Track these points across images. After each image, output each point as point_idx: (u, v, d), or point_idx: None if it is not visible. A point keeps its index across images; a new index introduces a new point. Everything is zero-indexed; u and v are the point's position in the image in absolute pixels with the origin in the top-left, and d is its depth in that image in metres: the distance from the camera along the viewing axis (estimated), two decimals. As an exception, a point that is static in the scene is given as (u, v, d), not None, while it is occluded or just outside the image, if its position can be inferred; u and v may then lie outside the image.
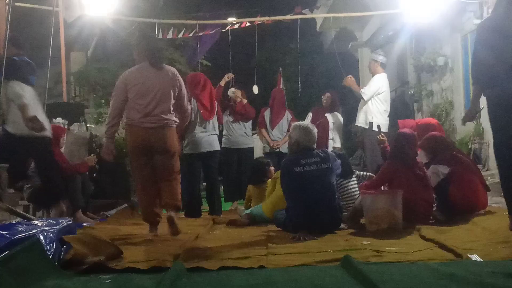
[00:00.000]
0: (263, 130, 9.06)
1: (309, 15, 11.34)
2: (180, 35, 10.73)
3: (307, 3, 15.75)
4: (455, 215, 5.32)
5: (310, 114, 9.10)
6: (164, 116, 5.30)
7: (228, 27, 9.91)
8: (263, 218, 6.16)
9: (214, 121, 7.47)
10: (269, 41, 20.29)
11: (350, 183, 6.23)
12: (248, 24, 9.84)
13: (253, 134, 9.44)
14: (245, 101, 8.65)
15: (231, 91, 8.70)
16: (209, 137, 7.36)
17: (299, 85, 10.84)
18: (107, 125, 5.43)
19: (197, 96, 7.31)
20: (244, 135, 8.67)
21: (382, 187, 6.12)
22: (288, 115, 9.04)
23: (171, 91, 5.36)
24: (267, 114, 9.11)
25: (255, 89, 9.81)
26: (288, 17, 10.07)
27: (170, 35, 10.59)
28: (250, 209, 6.58)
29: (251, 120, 8.91)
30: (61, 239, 3.76)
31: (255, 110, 8.88)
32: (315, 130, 5.51)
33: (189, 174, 7.39)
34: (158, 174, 5.35)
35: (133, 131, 5.33)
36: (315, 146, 5.51)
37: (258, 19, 9.83)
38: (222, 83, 8.45)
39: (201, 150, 7.28)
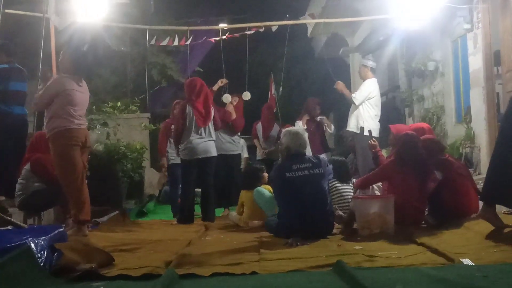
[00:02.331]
0: (256, 140, 9.82)
1: (299, 21, 11.37)
2: (176, 43, 10.72)
3: (298, 9, 15.84)
4: (446, 220, 5.33)
5: (300, 124, 9.22)
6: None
7: (220, 37, 9.89)
8: None
9: (210, 127, 7.42)
10: (261, 46, 20.33)
11: (344, 187, 6.28)
12: (239, 33, 9.83)
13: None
14: (231, 102, 8.67)
15: (225, 97, 8.76)
16: (205, 143, 7.30)
17: (280, 89, 10.96)
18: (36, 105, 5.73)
19: (192, 102, 7.28)
20: (232, 141, 8.66)
21: (377, 191, 6.16)
22: (276, 127, 9.54)
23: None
24: (258, 127, 9.76)
25: (246, 95, 9.86)
26: (278, 23, 10.08)
27: (165, 43, 10.58)
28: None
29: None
30: (52, 247, 3.74)
31: (247, 115, 8.92)
32: (306, 135, 5.54)
33: (183, 180, 7.37)
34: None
35: (72, 133, 5.55)
36: (306, 151, 5.52)
37: (248, 25, 9.83)
38: (215, 87, 8.43)
39: (196, 156, 7.24)
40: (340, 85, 8.46)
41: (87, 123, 6.00)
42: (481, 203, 4.97)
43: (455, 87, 10.45)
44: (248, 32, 9.69)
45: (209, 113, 7.36)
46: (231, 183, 8.43)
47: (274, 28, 9.90)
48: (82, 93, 5.73)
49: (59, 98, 5.53)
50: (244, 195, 7.14)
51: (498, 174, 4.51)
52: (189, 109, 7.26)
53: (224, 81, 8.62)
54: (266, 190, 6.47)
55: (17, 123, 7.11)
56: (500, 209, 4.89)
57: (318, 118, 9.35)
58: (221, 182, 8.58)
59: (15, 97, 7.10)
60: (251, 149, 12.52)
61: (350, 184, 6.39)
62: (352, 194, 6.26)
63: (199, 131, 7.26)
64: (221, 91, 8.76)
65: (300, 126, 9.11)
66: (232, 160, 8.67)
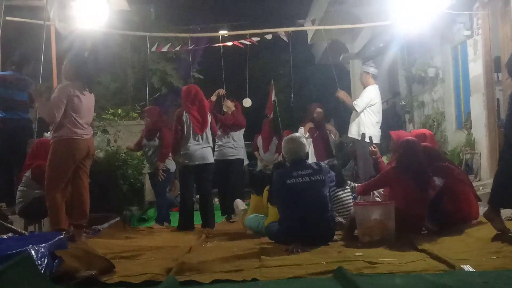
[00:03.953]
0: (256, 152, 10.80)
1: (300, 28, 11.39)
2: (177, 48, 10.77)
3: (299, 15, 15.86)
4: (447, 226, 5.33)
5: (302, 130, 9.30)
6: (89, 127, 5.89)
7: (220, 44, 9.90)
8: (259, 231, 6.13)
9: (207, 133, 7.47)
10: (261, 52, 20.34)
11: (344, 193, 6.27)
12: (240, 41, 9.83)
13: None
14: (231, 107, 8.73)
15: (224, 105, 8.84)
16: (202, 150, 7.35)
17: (292, 96, 11.16)
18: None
19: (188, 109, 7.32)
20: (232, 147, 8.64)
21: (378, 198, 6.15)
22: (275, 140, 10.50)
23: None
24: (259, 140, 10.75)
25: (247, 102, 9.96)
26: (279, 29, 10.10)
27: (165, 48, 10.61)
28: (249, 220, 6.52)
29: (241, 133, 8.88)
30: (52, 254, 3.73)
31: (247, 122, 8.96)
32: (305, 142, 5.54)
33: (182, 187, 7.40)
34: (82, 178, 5.76)
35: (74, 145, 5.58)
36: (307, 157, 5.53)
37: (249, 32, 9.85)
38: (213, 98, 8.47)
39: (194, 162, 7.28)
40: (341, 94, 8.44)
41: (92, 132, 5.98)
42: (481, 209, 4.98)
43: (455, 93, 10.46)
44: (242, 41, 9.73)
45: (205, 120, 7.41)
46: (231, 188, 8.50)
47: (280, 35, 9.92)
48: (86, 100, 5.74)
49: (67, 105, 5.55)
50: (252, 198, 7.08)
51: (506, 177, 4.53)
52: (186, 115, 7.31)
53: (222, 91, 8.67)
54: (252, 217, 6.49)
55: (6, 126, 7.13)
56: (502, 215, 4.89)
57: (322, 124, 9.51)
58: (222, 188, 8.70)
59: (3, 103, 7.14)
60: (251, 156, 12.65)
61: (347, 188, 6.38)
62: (351, 197, 6.25)
63: (197, 138, 7.31)
64: (219, 100, 8.81)
65: (302, 133, 9.15)
66: (230, 165, 8.64)
